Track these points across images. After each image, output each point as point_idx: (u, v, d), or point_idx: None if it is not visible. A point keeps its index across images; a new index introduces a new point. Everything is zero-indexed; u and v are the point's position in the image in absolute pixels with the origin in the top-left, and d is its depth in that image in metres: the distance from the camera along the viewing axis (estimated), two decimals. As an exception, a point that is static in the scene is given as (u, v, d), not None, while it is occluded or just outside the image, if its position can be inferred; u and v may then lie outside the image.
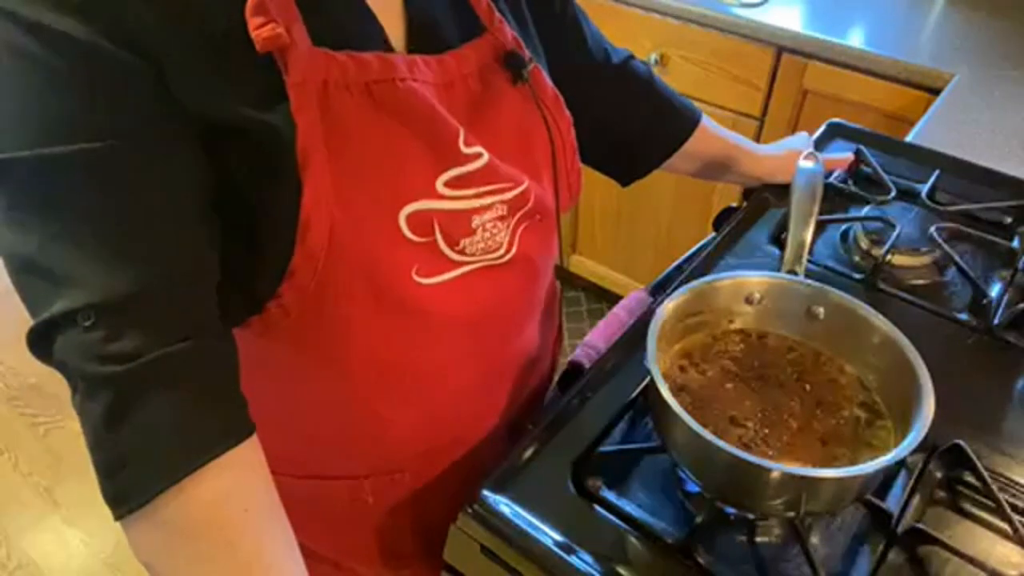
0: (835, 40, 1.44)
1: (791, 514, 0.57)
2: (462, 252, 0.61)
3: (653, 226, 1.95)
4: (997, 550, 0.61)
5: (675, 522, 0.62)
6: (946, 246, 0.85)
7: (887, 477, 0.65)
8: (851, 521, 0.63)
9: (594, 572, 0.58)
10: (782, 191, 0.93)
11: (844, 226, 0.92)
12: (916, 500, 0.63)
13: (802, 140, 1.01)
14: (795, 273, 0.77)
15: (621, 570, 0.59)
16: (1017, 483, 0.65)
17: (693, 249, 0.93)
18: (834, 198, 0.95)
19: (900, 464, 0.66)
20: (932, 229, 0.87)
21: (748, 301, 0.70)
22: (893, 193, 0.93)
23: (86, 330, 0.45)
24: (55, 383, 0.47)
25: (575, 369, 0.77)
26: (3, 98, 0.46)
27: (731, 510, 0.63)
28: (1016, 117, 1.25)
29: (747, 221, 0.93)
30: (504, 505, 0.62)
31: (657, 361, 0.61)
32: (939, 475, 0.66)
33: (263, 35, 0.49)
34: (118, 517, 0.48)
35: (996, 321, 0.79)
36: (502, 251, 0.64)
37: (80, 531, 1.78)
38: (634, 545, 0.60)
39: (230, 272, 0.54)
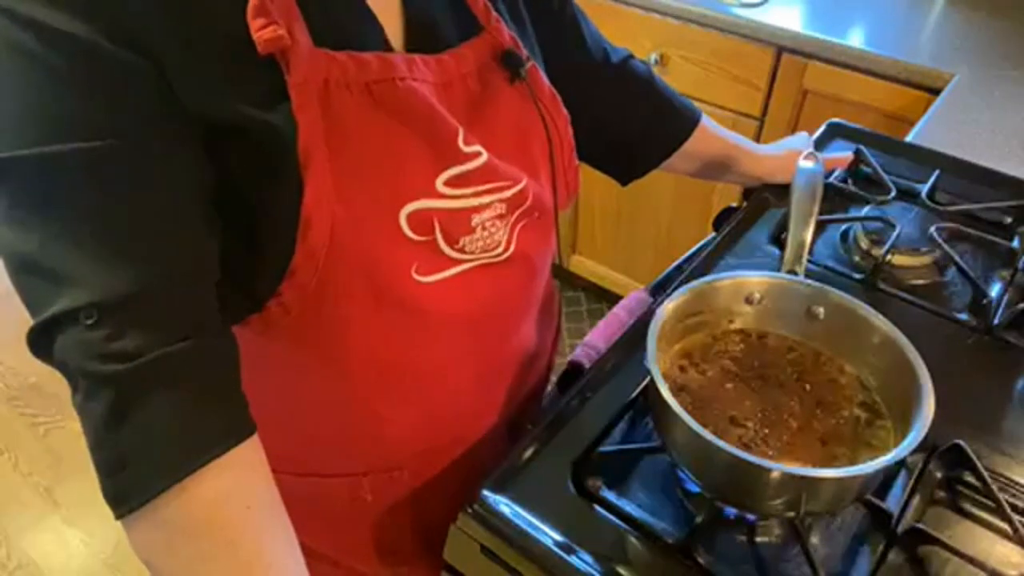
0: (835, 40, 1.44)
1: (791, 514, 0.57)
2: (461, 250, 0.61)
3: (653, 226, 1.95)
4: (997, 550, 0.61)
5: (675, 522, 0.62)
6: (946, 246, 0.85)
7: (887, 477, 0.65)
8: (851, 521, 0.63)
9: (594, 572, 0.58)
10: (782, 191, 0.93)
11: (844, 226, 0.92)
12: (916, 500, 0.63)
13: (802, 140, 1.01)
14: (795, 273, 0.77)
15: (621, 570, 0.59)
16: (1017, 483, 0.65)
17: (693, 249, 0.93)
18: (834, 198, 0.95)
19: (900, 464, 0.66)
20: (932, 229, 0.87)
21: (748, 301, 0.70)
22: (893, 193, 0.93)
23: (88, 329, 0.45)
24: (55, 383, 0.47)
25: (575, 369, 0.77)
26: (3, 97, 0.46)
27: (731, 510, 0.63)
28: (1016, 117, 1.25)
29: (747, 221, 0.93)
30: (504, 505, 0.62)
31: (657, 361, 0.61)
32: (939, 475, 0.66)
33: (265, 37, 0.49)
34: (119, 516, 0.48)
35: (996, 321, 0.79)
36: (500, 249, 0.64)
37: (80, 531, 1.78)
38: (634, 545, 0.60)
39: (230, 271, 0.54)
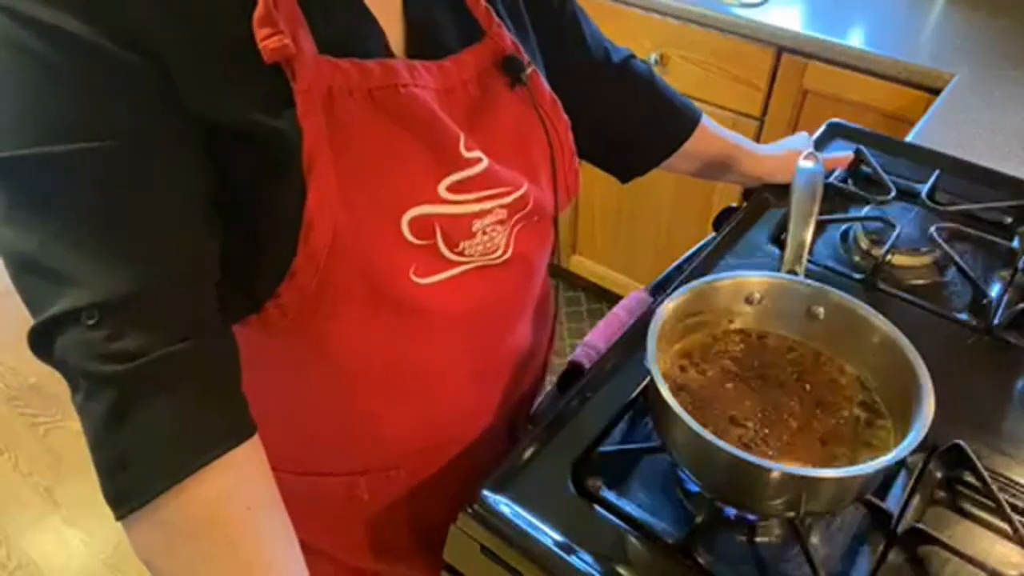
0: (835, 40, 1.44)
1: (791, 514, 0.57)
2: (461, 253, 0.61)
3: (653, 226, 1.95)
4: (997, 550, 0.61)
5: (675, 522, 0.62)
6: (946, 246, 0.85)
7: (887, 477, 0.65)
8: (851, 521, 0.63)
9: (594, 572, 0.58)
10: (782, 191, 0.93)
11: (844, 226, 0.92)
12: (916, 500, 0.63)
13: (802, 140, 1.01)
14: (795, 273, 0.77)
15: (621, 570, 0.59)
16: (1017, 483, 0.65)
17: (693, 249, 0.93)
18: (834, 198, 0.95)
19: (900, 464, 0.66)
20: (932, 229, 0.87)
21: (748, 301, 0.70)
22: (893, 193, 0.93)
23: (89, 329, 0.45)
24: (55, 383, 0.47)
25: (575, 369, 0.77)
26: (3, 96, 0.46)
27: (731, 510, 0.63)
28: (1016, 117, 1.25)
29: (747, 221, 0.93)
30: (504, 505, 0.62)
31: (657, 361, 0.61)
32: (939, 475, 0.66)
33: (271, 46, 0.49)
34: (119, 517, 0.48)
35: (996, 321, 0.79)
36: (500, 252, 0.64)
37: (80, 531, 1.78)
38: (634, 545, 0.60)
39: (230, 272, 0.54)
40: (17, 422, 2.00)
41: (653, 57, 1.65)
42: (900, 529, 0.61)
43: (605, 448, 0.67)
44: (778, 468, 0.54)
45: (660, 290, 0.88)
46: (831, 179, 0.97)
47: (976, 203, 0.94)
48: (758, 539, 0.62)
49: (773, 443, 0.61)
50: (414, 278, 0.59)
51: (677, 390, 0.64)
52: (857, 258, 0.88)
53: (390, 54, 0.57)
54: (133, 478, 0.46)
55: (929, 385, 0.58)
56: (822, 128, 1.10)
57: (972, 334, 0.79)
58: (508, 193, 0.62)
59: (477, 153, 0.59)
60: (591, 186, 1.96)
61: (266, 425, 0.53)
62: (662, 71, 1.65)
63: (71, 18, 0.45)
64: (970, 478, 0.65)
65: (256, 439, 0.52)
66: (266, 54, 0.49)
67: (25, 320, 0.47)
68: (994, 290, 0.83)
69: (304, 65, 0.51)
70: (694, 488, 0.64)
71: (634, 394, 0.71)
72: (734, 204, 1.00)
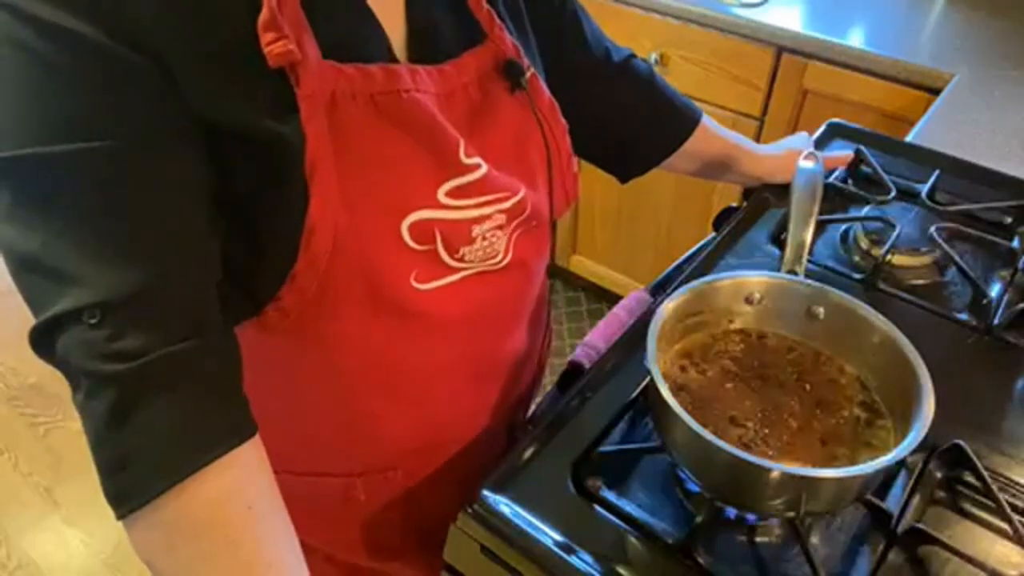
0: (835, 40, 1.44)
1: (791, 514, 0.57)
2: (461, 259, 0.61)
3: (653, 226, 1.95)
4: (997, 550, 0.61)
5: (675, 522, 0.62)
6: (946, 246, 0.85)
7: (887, 477, 0.65)
8: (851, 521, 0.63)
9: (594, 572, 0.58)
10: (782, 191, 0.93)
11: (844, 226, 0.92)
12: (916, 500, 0.63)
13: (802, 140, 1.01)
14: (795, 273, 0.77)
15: (621, 570, 0.59)
16: (1017, 483, 0.65)
17: (693, 249, 0.93)
18: (834, 198, 0.96)
19: (900, 464, 0.66)
20: (932, 229, 0.87)
21: (748, 301, 0.70)
22: (893, 193, 0.93)
23: (91, 328, 0.45)
24: (55, 383, 0.47)
25: (575, 369, 0.78)
26: (5, 94, 0.46)
27: (731, 510, 0.63)
28: (1016, 117, 1.25)
29: (747, 221, 0.93)
30: (504, 505, 0.62)
31: (657, 361, 0.61)
32: (939, 475, 0.66)
33: (276, 51, 0.49)
34: (120, 516, 0.48)
35: (996, 321, 0.79)
36: (499, 257, 0.64)
37: (80, 531, 1.78)
38: (634, 545, 0.60)
39: (231, 274, 0.54)
40: (17, 422, 2.00)
41: (653, 57, 1.65)
42: (900, 529, 0.61)
43: (605, 448, 0.67)
44: (778, 468, 0.54)
45: (660, 290, 0.88)
46: (831, 179, 0.97)
47: (976, 203, 0.94)
48: (758, 539, 0.62)
49: (773, 443, 0.61)
50: (415, 284, 0.59)
51: (677, 390, 0.64)
52: (857, 258, 0.88)
53: (392, 56, 0.57)
54: (134, 477, 0.46)
55: (929, 385, 0.58)
56: (822, 128, 1.10)
57: (972, 334, 0.79)
58: (506, 198, 0.62)
59: (476, 159, 0.60)
60: (591, 186, 1.96)
61: (263, 425, 0.53)
62: (662, 71, 1.65)
63: (72, 17, 0.45)
64: (970, 478, 0.65)
65: (257, 439, 0.52)
66: (271, 59, 0.49)
67: (26, 320, 0.47)
68: (994, 290, 0.83)
69: (308, 70, 0.51)
70: (694, 488, 0.64)
71: (634, 394, 0.71)
72: (734, 204, 1.00)
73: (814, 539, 0.62)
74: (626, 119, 0.85)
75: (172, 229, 0.49)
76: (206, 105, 0.49)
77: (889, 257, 0.85)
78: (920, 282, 0.85)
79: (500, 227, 0.63)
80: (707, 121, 0.90)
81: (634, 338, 0.78)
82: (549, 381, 0.91)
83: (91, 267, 0.46)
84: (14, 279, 0.47)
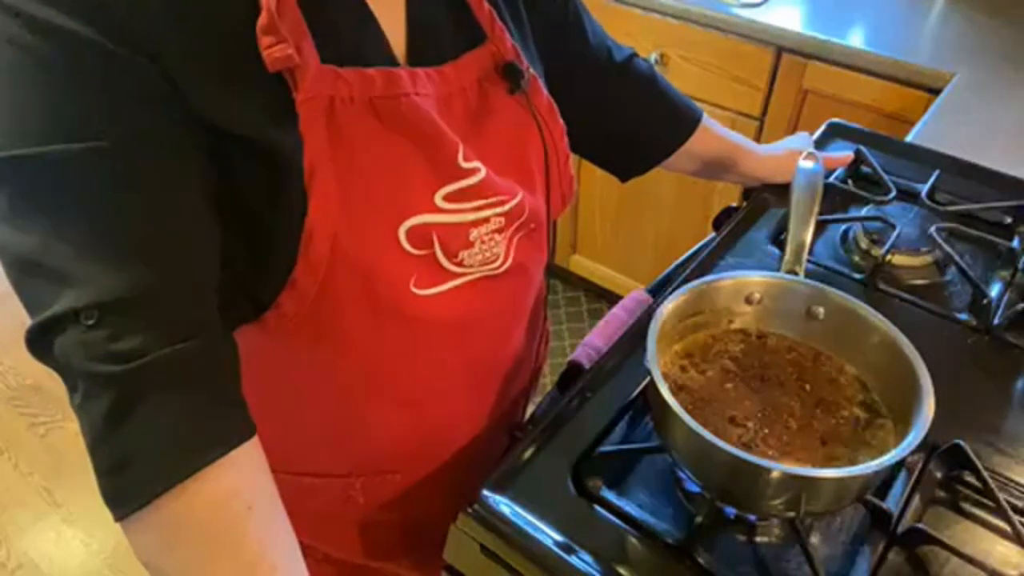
0: (835, 40, 1.44)
1: (791, 514, 0.57)
2: (460, 264, 0.61)
3: (653, 226, 1.95)
4: (997, 550, 0.61)
5: (675, 522, 0.62)
6: (946, 246, 0.85)
7: (887, 477, 0.65)
8: (851, 521, 0.63)
9: (594, 572, 0.58)
10: (782, 191, 0.93)
11: (844, 226, 0.92)
12: (916, 500, 0.63)
13: (802, 140, 1.01)
14: (795, 273, 0.77)
15: (621, 570, 0.59)
16: (1017, 483, 0.65)
17: (693, 249, 0.93)
18: (834, 198, 0.95)
19: (900, 464, 0.66)
20: (932, 229, 0.87)
21: (748, 301, 0.70)
22: (893, 193, 0.93)
23: (88, 329, 0.45)
24: (55, 383, 0.47)
25: (575, 369, 0.77)
26: (3, 95, 0.46)
27: (731, 510, 0.63)
28: (1016, 117, 1.25)
29: (747, 221, 0.93)
30: (504, 505, 0.62)
31: (657, 361, 0.61)
32: (939, 475, 0.66)
33: (274, 55, 0.49)
34: (119, 518, 0.47)
35: (996, 321, 0.79)
36: (499, 261, 0.64)
37: (80, 531, 1.78)
38: (634, 545, 0.60)
39: (231, 277, 0.54)
40: (17, 422, 2.00)
41: (653, 57, 1.65)
42: (900, 529, 0.61)
43: (605, 448, 0.67)
44: (778, 468, 0.54)
45: (660, 290, 0.87)
46: (831, 179, 0.97)
47: (976, 203, 0.94)
48: (758, 539, 0.62)
49: (773, 443, 0.61)
50: (414, 289, 0.59)
51: (677, 390, 0.64)
52: (857, 258, 0.88)
53: (392, 58, 0.57)
54: (133, 479, 0.46)
55: (929, 385, 0.58)
56: (822, 128, 1.10)
57: (972, 334, 0.79)
58: (505, 202, 0.62)
59: (475, 163, 0.59)
60: (591, 186, 1.96)
61: (262, 425, 0.53)
62: (662, 71, 1.64)
63: (70, 17, 0.44)
64: (970, 478, 0.65)
65: (256, 440, 0.51)
66: (269, 63, 0.49)
67: (26, 321, 0.47)
68: (994, 290, 0.83)
69: (307, 75, 0.51)
70: (694, 488, 0.64)
71: (634, 394, 0.71)
72: (734, 204, 1.00)
73: (814, 539, 0.62)
74: (627, 118, 0.85)
75: (170, 230, 0.49)
76: (205, 107, 0.49)
77: (889, 257, 0.85)
78: (920, 282, 0.85)
79: (499, 230, 0.63)
80: (708, 121, 0.90)
81: (634, 338, 0.78)
82: (549, 381, 0.92)
83: (89, 267, 0.45)
84: (11, 280, 0.47)
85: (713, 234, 0.94)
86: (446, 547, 0.66)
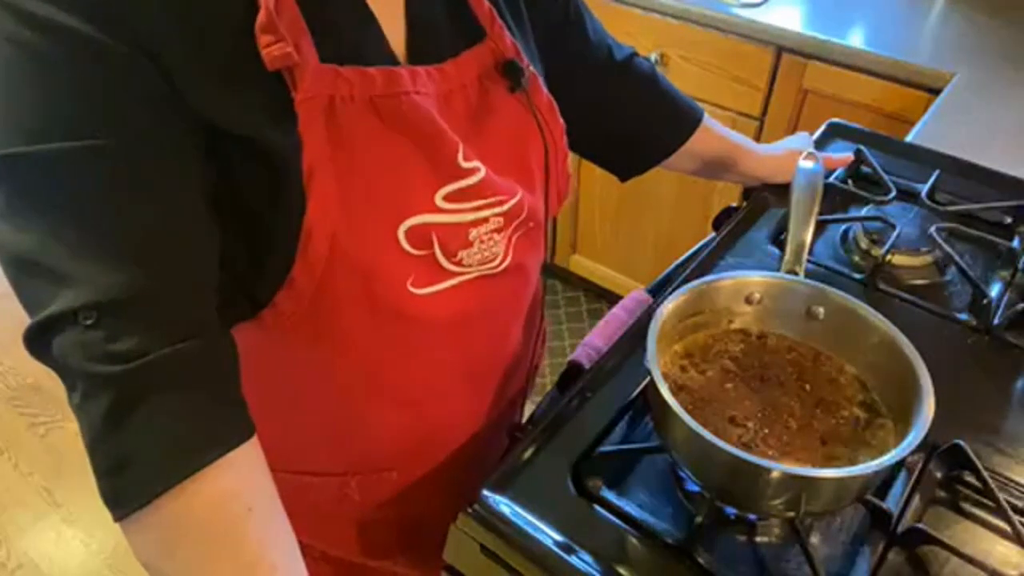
0: (835, 40, 1.44)
1: (791, 514, 0.57)
2: (459, 263, 0.61)
3: (653, 226, 1.95)
4: (997, 550, 0.61)
5: (675, 522, 0.62)
6: (946, 246, 0.85)
7: (887, 477, 0.65)
8: (851, 521, 0.63)
9: (594, 572, 0.58)
10: (782, 191, 0.93)
11: (844, 226, 0.92)
12: (916, 500, 0.63)
13: (802, 140, 1.01)
14: (795, 273, 0.77)
15: (621, 570, 0.59)
16: (1017, 483, 0.65)
17: (693, 249, 0.93)
18: (834, 198, 0.95)
19: (900, 464, 0.66)
20: (932, 229, 0.87)
21: (748, 301, 0.70)
22: (893, 193, 0.93)
23: (87, 329, 0.45)
24: (55, 383, 0.47)
25: (575, 369, 0.77)
26: (2, 92, 0.46)
27: (731, 510, 0.63)
28: (1016, 117, 1.25)
29: (747, 221, 0.93)
30: (504, 505, 0.62)
31: (657, 361, 0.61)
32: (939, 475, 0.66)
33: (273, 54, 0.49)
34: (118, 518, 0.47)
35: (996, 321, 0.79)
36: (498, 261, 0.64)
37: (80, 531, 1.78)
38: (634, 545, 0.60)
39: (229, 276, 0.54)
40: (17, 422, 2.00)
41: (653, 57, 1.65)
42: (900, 529, 0.61)
43: (605, 448, 0.67)
44: (778, 468, 0.54)
45: (660, 290, 0.87)
46: (831, 179, 0.97)
47: (976, 203, 0.94)
48: (758, 539, 0.62)
49: (773, 443, 0.61)
50: (412, 289, 0.59)
51: (677, 390, 0.64)
52: (857, 258, 0.88)
53: (391, 57, 0.57)
54: (132, 479, 0.46)
55: (929, 385, 0.58)
56: (822, 128, 1.10)
57: (972, 334, 0.79)
58: (504, 201, 0.62)
59: (475, 163, 0.59)
60: (592, 186, 1.96)
61: (259, 424, 0.53)
62: (662, 71, 1.64)
63: (69, 14, 0.44)
64: (970, 478, 0.65)
65: (255, 439, 0.51)
66: (268, 62, 0.49)
67: (25, 320, 0.46)
68: (994, 290, 0.83)
69: (306, 74, 0.50)
70: (694, 488, 0.64)
71: (634, 394, 0.71)
72: (734, 204, 1.00)
73: (814, 539, 0.62)
74: (627, 117, 0.85)
75: (169, 229, 0.49)
76: (204, 107, 0.49)
77: (889, 257, 0.85)
78: (920, 282, 0.85)
79: (497, 230, 0.63)
80: (708, 120, 0.90)
81: (634, 338, 0.78)
82: (549, 381, 0.91)
83: (87, 267, 0.45)
84: (10, 279, 0.47)
85: (713, 234, 0.94)
86: (446, 547, 0.66)
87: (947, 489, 0.65)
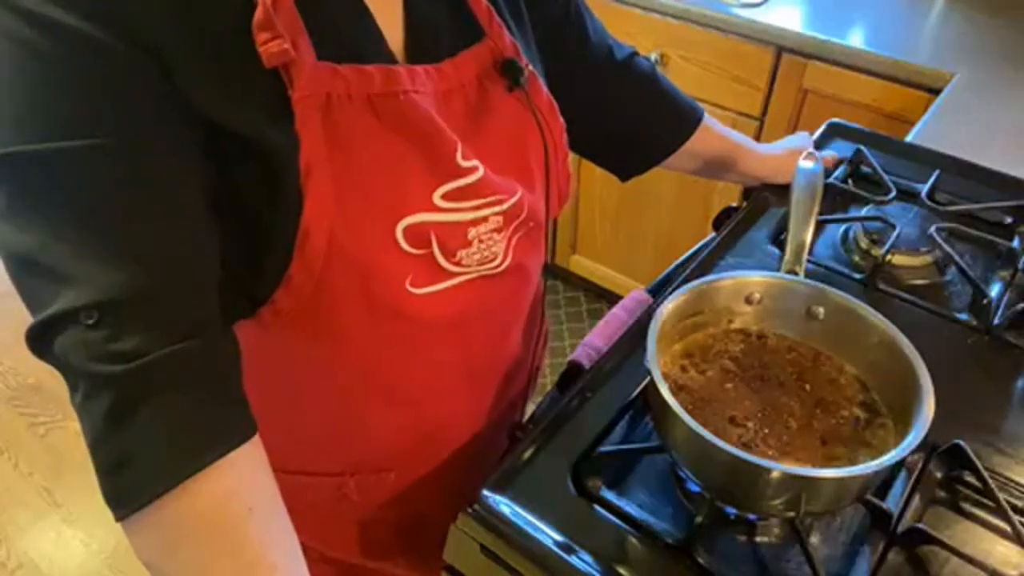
0: (835, 40, 1.44)
1: (791, 514, 0.57)
2: (459, 263, 0.61)
3: (653, 226, 1.95)
4: (997, 550, 0.61)
5: (675, 522, 0.62)
6: (946, 246, 0.85)
7: (887, 477, 0.65)
8: (851, 521, 0.63)
9: (594, 572, 0.58)
10: (782, 191, 0.93)
11: (844, 226, 0.92)
12: (916, 500, 0.63)
13: (802, 140, 1.01)
14: (795, 273, 0.77)
15: (621, 570, 0.59)
16: (1017, 483, 0.65)
17: (693, 249, 0.93)
18: (834, 198, 0.95)
19: (900, 464, 0.66)
20: (932, 229, 0.87)
21: (748, 301, 0.70)
22: (893, 193, 0.93)
23: (88, 328, 0.45)
24: (55, 383, 0.47)
25: (575, 369, 0.77)
26: (2, 91, 0.46)
27: (731, 510, 0.63)
28: (1016, 117, 1.25)
29: (747, 221, 0.93)
30: (504, 505, 0.62)
31: (657, 361, 0.61)
32: (939, 475, 0.66)
33: (270, 50, 0.49)
34: (119, 518, 0.47)
35: (996, 321, 0.79)
36: (498, 261, 0.64)
37: (80, 531, 1.78)
38: (634, 545, 0.60)
39: (228, 274, 0.54)
40: (17, 422, 2.00)
41: (653, 57, 1.65)
42: (900, 529, 0.61)
43: (605, 448, 0.67)
44: (778, 468, 0.54)
45: (660, 290, 0.87)
46: (831, 179, 0.97)
47: (976, 203, 0.94)
48: (758, 539, 0.62)
49: (773, 443, 0.61)
50: (410, 288, 0.59)
51: (677, 390, 0.64)
52: (857, 258, 0.88)
53: (390, 56, 0.57)
54: (133, 479, 0.46)
55: (929, 385, 0.58)
56: (822, 128, 1.10)
57: (972, 334, 0.79)
58: (503, 200, 0.62)
59: (474, 162, 0.59)
60: (591, 186, 1.96)
61: (257, 424, 0.53)
62: (662, 71, 1.64)
63: (68, 12, 0.44)
64: (970, 478, 0.65)
65: (257, 439, 0.51)
66: (266, 58, 0.49)
67: (26, 320, 0.46)
68: (994, 290, 0.83)
69: (303, 71, 0.50)
70: (694, 488, 0.64)
71: (634, 394, 0.71)
72: (734, 204, 1.00)
73: (814, 539, 0.62)
74: (628, 117, 0.85)
75: (169, 228, 0.49)
76: (202, 105, 0.49)
77: (889, 257, 0.85)
78: (920, 282, 0.85)
79: (497, 229, 0.63)
80: (708, 120, 0.90)
81: (634, 338, 0.78)
82: (549, 381, 0.91)
83: (88, 266, 0.45)
84: (12, 279, 0.47)
85: (713, 234, 0.94)
86: (446, 547, 0.66)
87: (947, 489, 0.65)
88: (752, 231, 0.92)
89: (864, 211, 0.93)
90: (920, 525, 0.60)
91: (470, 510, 0.63)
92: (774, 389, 0.65)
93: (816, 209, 0.84)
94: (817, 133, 1.08)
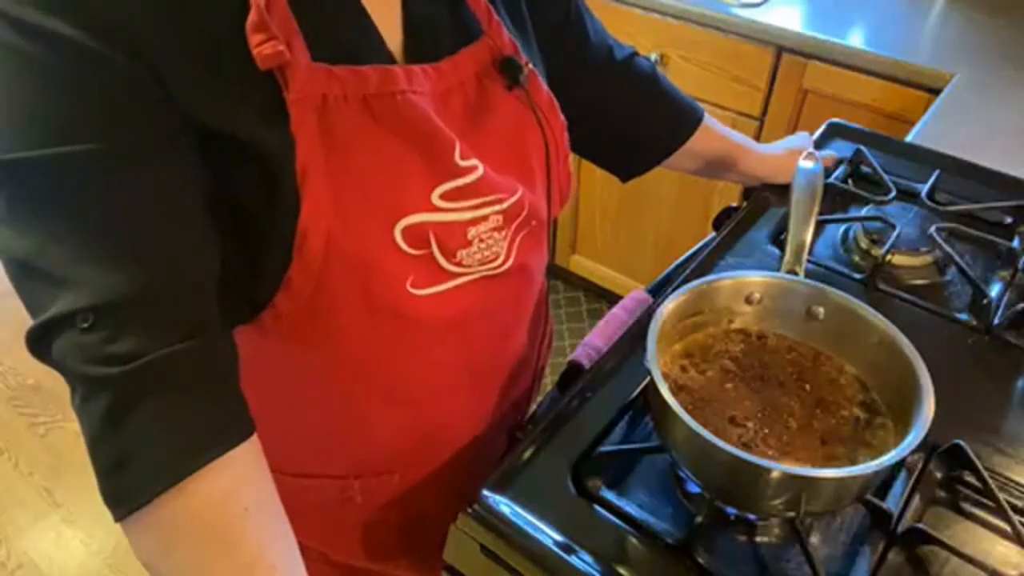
0: (835, 40, 1.44)
1: (791, 514, 0.57)
2: (459, 264, 0.61)
3: (653, 226, 1.95)
4: (997, 550, 0.61)
5: (675, 522, 0.62)
6: (946, 246, 0.85)
7: (887, 477, 0.65)
8: (851, 521, 0.63)
9: (594, 572, 0.58)
10: (782, 191, 0.93)
11: (844, 226, 0.92)
12: (916, 500, 0.63)
13: (802, 140, 1.01)
14: (795, 273, 0.77)
15: (621, 570, 0.59)
16: (1017, 483, 0.65)
17: (693, 249, 0.93)
18: (834, 198, 0.95)
19: (900, 464, 0.66)
20: (932, 229, 0.87)
21: (748, 301, 0.70)
22: (893, 193, 0.93)
23: (84, 331, 0.45)
24: (55, 383, 0.47)
25: (575, 369, 0.77)
26: (1, 100, 0.46)
27: (731, 510, 0.63)
28: (1016, 117, 1.25)
29: (747, 221, 0.93)
30: (504, 505, 0.62)
31: (657, 361, 0.61)
32: (939, 475, 0.66)
33: (264, 52, 0.49)
34: (118, 518, 0.47)
35: (996, 321, 0.79)
36: (500, 261, 0.64)
37: (80, 531, 1.78)
38: (634, 545, 0.60)
39: (227, 277, 0.54)
40: (17, 422, 2.00)
41: (653, 57, 1.65)
42: (900, 529, 0.61)
43: (605, 448, 0.67)
44: (778, 468, 0.54)
45: (660, 290, 0.87)
46: (831, 179, 0.97)
47: (976, 203, 0.94)
48: (758, 539, 0.62)
49: (773, 443, 0.61)
50: (411, 289, 0.59)
51: (677, 390, 0.64)
52: (857, 258, 0.88)
53: (388, 56, 0.57)
54: (132, 479, 0.46)
55: (929, 385, 0.58)
56: (822, 128, 1.10)
57: (972, 334, 0.79)
58: (503, 199, 0.62)
59: (473, 161, 0.59)
60: (592, 186, 1.96)
61: (258, 426, 0.53)
62: (662, 71, 1.64)
63: (59, 20, 0.44)
64: (970, 478, 0.65)
65: (255, 439, 0.51)
66: (260, 60, 0.49)
67: (26, 321, 0.47)
68: (994, 290, 0.83)
69: (298, 73, 0.50)
70: (694, 488, 0.64)
71: (634, 394, 0.71)
72: (734, 204, 1.00)
73: (814, 539, 0.62)
74: (628, 117, 0.85)
75: (167, 231, 0.49)
76: (196, 109, 0.49)
77: (889, 257, 0.85)
78: (920, 282, 0.85)
79: (497, 228, 0.62)
80: (709, 120, 0.90)
81: (634, 338, 0.78)
82: (549, 381, 0.91)
83: (84, 270, 0.45)
84: (12, 282, 0.47)
85: (713, 234, 0.94)
86: (446, 547, 0.66)
87: (947, 489, 0.65)
88: (752, 231, 0.92)
89: (864, 211, 0.93)
90: (920, 525, 0.60)
91: (470, 510, 0.63)
92: (774, 389, 0.65)
93: (816, 209, 0.84)
94: (817, 133, 1.08)
